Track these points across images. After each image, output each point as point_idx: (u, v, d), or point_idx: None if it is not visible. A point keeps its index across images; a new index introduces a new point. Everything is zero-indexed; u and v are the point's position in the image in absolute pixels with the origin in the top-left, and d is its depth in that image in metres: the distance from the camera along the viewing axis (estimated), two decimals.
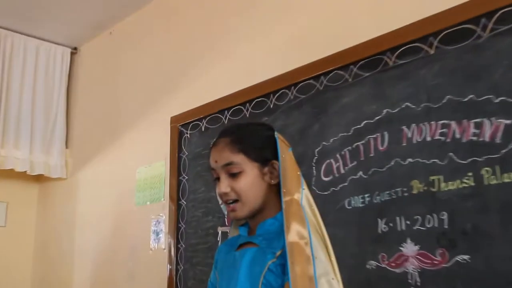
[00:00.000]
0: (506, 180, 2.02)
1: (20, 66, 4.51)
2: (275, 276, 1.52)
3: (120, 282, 3.79)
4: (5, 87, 4.41)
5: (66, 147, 4.66)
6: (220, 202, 1.72)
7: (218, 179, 1.64)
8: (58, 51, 4.75)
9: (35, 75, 4.58)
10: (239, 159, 1.60)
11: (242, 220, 1.75)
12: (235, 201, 1.61)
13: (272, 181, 1.63)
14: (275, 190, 1.64)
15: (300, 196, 1.58)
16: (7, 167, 4.34)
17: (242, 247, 1.66)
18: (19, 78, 4.48)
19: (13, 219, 4.73)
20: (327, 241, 1.60)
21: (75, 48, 4.83)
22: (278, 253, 1.54)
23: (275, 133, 1.66)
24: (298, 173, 1.64)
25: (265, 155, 1.63)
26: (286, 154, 1.63)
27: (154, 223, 3.60)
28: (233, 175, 1.60)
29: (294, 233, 1.51)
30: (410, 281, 2.21)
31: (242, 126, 1.73)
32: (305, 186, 1.62)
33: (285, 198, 1.56)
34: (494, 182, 2.05)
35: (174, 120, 3.56)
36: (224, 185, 1.60)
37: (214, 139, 1.68)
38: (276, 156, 1.61)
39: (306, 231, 1.51)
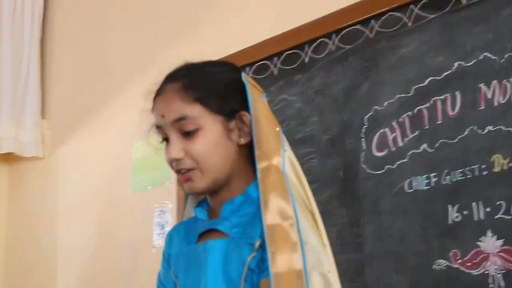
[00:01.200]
0: None
1: None
2: (257, 274, 1.44)
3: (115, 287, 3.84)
4: None
5: (42, 117, 4.67)
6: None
7: (166, 140, 1.55)
8: None
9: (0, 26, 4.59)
10: (196, 112, 1.49)
11: (198, 195, 1.65)
12: (191, 169, 1.51)
13: (242, 139, 1.54)
14: (245, 152, 1.56)
15: (282, 160, 1.47)
16: None
17: (204, 237, 1.56)
18: None
19: None
20: (318, 220, 1.50)
21: None
22: (258, 243, 1.45)
23: (243, 75, 1.58)
24: (277, 128, 1.53)
25: (231, 104, 1.53)
26: (259, 102, 1.53)
27: (158, 213, 3.63)
28: (188, 134, 1.49)
29: (274, 211, 1.41)
30: (492, 285, 2.22)
31: (197, 66, 1.61)
32: (287, 146, 1.52)
33: (260, 164, 1.46)
34: None
35: None
36: (175, 149, 1.50)
37: (159, 86, 1.61)
38: (245, 106, 1.52)
39: (291, 208, 1.41)
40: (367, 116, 2.67)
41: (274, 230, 1.39)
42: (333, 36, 2.83)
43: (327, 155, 2.75)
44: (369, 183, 2.61)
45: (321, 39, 2.88)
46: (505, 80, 2.27)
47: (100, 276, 3.99)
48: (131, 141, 3.86)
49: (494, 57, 2.31)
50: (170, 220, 3.53)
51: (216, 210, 1.57)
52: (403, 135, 2.54)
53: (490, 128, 2.29)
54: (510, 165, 2.23)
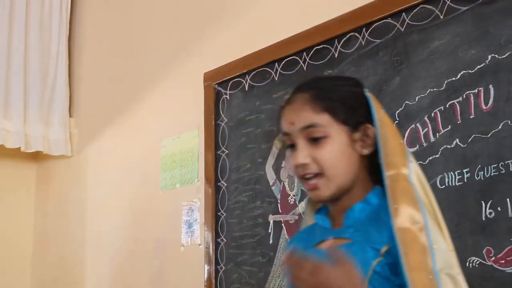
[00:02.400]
0: None
1: (6, 10, 4.52)
2: (382, 279, 1.49)
3: (144, 286, 3.85)
4: None
5: (70, 116, 4.71)
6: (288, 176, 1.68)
7: (292, 146, 1.60)
8: None
9: (26, 22, 4.60)
10: (324, 121, 1.56)
11: (318, 203, 1.71)
12: (317, 175, 1.57)
13: (364, 150, 1.60)
14: (365, 163, 1.62)
15: (408, 171, 1.54)
16: None
17: (323, 243, 1.63)
18: (6, 26, 4.52)
19: (5, 209, 4.79)
20: (444, 228, 1.56)
21: None
22: (384, 249, 1.51)
23: (365, 89, 1.64)
24: (401, 141, 1.61)
25: (356, 116, 1.59)
26: (383, 116, 1.60)
27: (186, 211, 3.64)
28: (315, 141, 1.55)
29: (404, 216, 1.48)
30: None
31: (324, 79, 1.72)
32: (412, 159, 1.59)
33: (388, 172, 1.53)
34: None
35: (208, 77, 3.57)
36: (303, 154, 1.56)
37: (288, 96, 1.66)
38: (368, 119, 1.59)
39: (420, 215, 1.48)
40: (398, 111, 2.64)
41: (405, 234, 1.46)
42: (363, 30, 2.82)
43: None
44: None
45: (351, 33, 2.86)
46: None
47: (128, 273, 4.01)
48: (159, 139, 3.88)
49: None
50: (198, 218, 3.53)
51: (337, 217, 1.64)
52: (435, 130, 2.52)
53: None
54: None
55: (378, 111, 1.59)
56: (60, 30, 4.73)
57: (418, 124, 2.58)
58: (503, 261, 2.26)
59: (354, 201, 1.62)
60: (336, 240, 1.59)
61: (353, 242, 1.55)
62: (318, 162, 1.54)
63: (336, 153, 1.55)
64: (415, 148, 2.56)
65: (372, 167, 1.63)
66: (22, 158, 4.79)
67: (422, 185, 1.56)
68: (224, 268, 3.33)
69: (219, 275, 3.35)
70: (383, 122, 1.58)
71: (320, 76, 1.71)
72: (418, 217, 1.48)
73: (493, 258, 2.28)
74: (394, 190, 1.50)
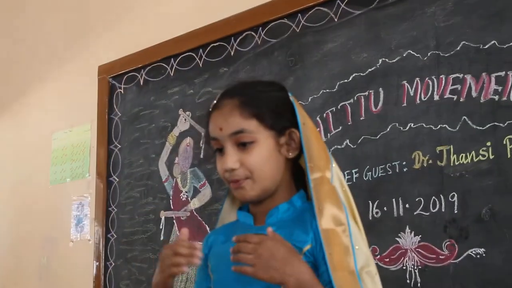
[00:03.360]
0: None
1: None
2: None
3: (30, 282, 3.77)
4: None
5: None
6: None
7: (220, 150, 1.60)
8: None
9: None
10: (252, 126, 1.56)
11: (247, 202, 1.71)
12: (245, 178, 1.58)
13: (290, 154, 1.62)
14: (289, 166, 1.64)
15: (331, 174, 1.57)
16: None
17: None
18: None
19: None
20: (361, 228, 1.62)
21: None
22: (307, 247, 1.54)
23: (290, 94, 1.66)
24: (324, 144, 1.65)
25: (282, 121, 1.60)
26: (306, 120, 1.62)
27: (76, 206, 3.59)
28: (244, 145, 1.56)
29: (328, 217, 1.51)
30: (408, 281, 2.25)
31: (251, 84, 1.69)
32: (334, 163, 1.62)
33: (313, 175, 1.55)
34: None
35: (103, 70, 3.53)
36: (232, 159, 1.56)
37: (214, 101, 1.65)
38: (293, 123, 1.60)
39: (343, 216, 1.53)
40: None
41: (329, 234, 1.50)
42: (259, 29, 2.83)
43: None
44: None
45: (247, 32, 2.88)
46: (427, 78, 2.30)
47: (13, 268, 3.92)
48: (50, 132, 3.81)
49: (418, 55, 2.34)
50: (89, 213, 3.49)
51: (260, 217, 1.65)
52: (327, 130, 2.56)
53: (411, 125, 2.32)
54: (430, 162, 2.26)
55: (302, 115, 1.61)
56: None
57: None
58: (388, 259, 2.32)
59: (277, 203, 1.63)
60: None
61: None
62: (246, 166, 1.56)
63: (263, 158, 1.56)
64: None
65: (296, 170, 1.66)
66: None
67: (343, 186, 1.61)
68: (113, 264, 3.30)
69: (109, 271, 3.31)
70: (307, 125, 1.60)
71: (246, 81, 1.70)
72: (342, 218, 1.52)
73: (378, 256, 2.33)
74: (318, 193, 1.53)
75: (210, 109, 1.64)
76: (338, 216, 1.52)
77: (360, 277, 1.48)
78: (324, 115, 2.57)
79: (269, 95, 1.62)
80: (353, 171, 2.45)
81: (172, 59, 3.18)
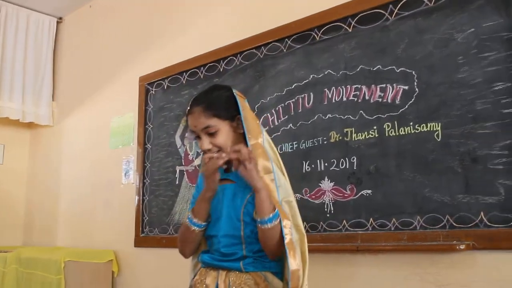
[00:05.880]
0: (402, 133, 2.07)
1: (13, 32, 4.33)
2: (253, 206, 1.52)
3: (98, 209, 3.75)
4: (0, 49, 4.24)
5: (53, 100, 4.51)
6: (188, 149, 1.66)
7: (198, 137, 1.60)
8: (46, 20, 4.54)
9: (26, 40, 4.40)
10: (214, 122, 1.56)
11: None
12: (217, 152, 1.57)
13: (240, 131, 1.60)
14: (241, 136, 1.62)
15: (262, 140, 1.58)
16: (3, 115, 4.23)
17: (221, 182, 1.62)
18: (12, 42, 4.32)
19: (10, 158, 4.63)
20: (284, 170, 1.62)
21: (60, 18, 4.63)
22: (248, 196, 1.55)
23: (234, 91, 1.64)
24: (257, 121, 1.63)
25: (232, 112, 1.59)
26: (244, 107, 1.61)
27: (125, 162, 3.55)
28: (211, 134, 1.56)
29: (261, 168, 1.53)
30: (326, 209, 2.27)
31: (209, 92, 1.65)
32: (264, 132, 1.62)
33: (251, 142, 1.56)
34: (392, 134, 2.10)
35: (142, 79, 3.47)
36: (206, 143, 1.56)
37: (188, 107, 1.63)
38: (238, 111, 1.58)
39: (270, 165, 1.55)
40: (257, 105, 2.66)
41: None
42: (238, 55, 2.81)
43: None
44: None
45: (230, 57, 2.85)
46: (339, 87, 2.31)
47: (88, 200, 3.90)
48: (110, 117, 3.77)
49: (334, 73, 2.34)
50: (133, 167, 3.47)
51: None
52: (278, 117, 2.55)
53: (329, 115, 2.33)
54: (340, 138, 2.27)
55: (241, 104, 1.60)
56: (48, 45, 4.53)
57: (268, 114, 2.60)
58: (314, 197, 2.33)
59: None
60: (227, 180, 1.63)
61: (236, 184, 1.61)
62: (216, 145, 1.56)
63: (225, 138, 1.57)
64: (266, 128, 2.57)
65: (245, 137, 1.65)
66: (20, 126, 4.60)
67: (272, 147, 1.61)
68: (147, 198, 3.28)
69: (145, 202, 3.29)
70: (244, 109, 1.60)
71: (206, 90, 1.68)
72: (269, 167, 1.54)
73: (308, 195, 2.35)
74: (255, 153, 1.54)
75: (187, 113, 1.63)
76: (267, 166, 1.54)
77: (282, 203, 1.52)
78: (277, 108, 2.55)
79: (221, 97, 1.61)
80: (294, 143, 2.45)
81: (184, 73, 3.14)
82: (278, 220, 1.47)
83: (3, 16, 4.28)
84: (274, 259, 1.55)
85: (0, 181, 4.53)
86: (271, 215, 1.46)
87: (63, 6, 4.44)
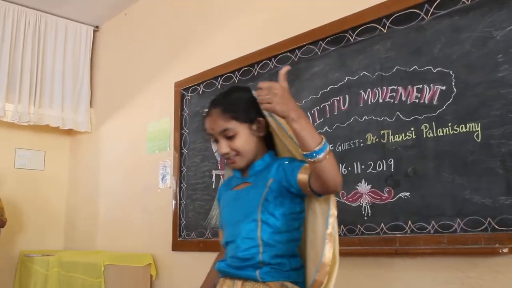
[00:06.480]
0: (440, 134, 2.04)
1: (52, 42, 4.48)
2: (269, 203, 1.46)
3: (136, 214, 3.82)
4: (41, 59, 4.39)
5: (91, 107, 4.63)
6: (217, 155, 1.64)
7: (216, 140, 1.56)
8: (83, 29, 4.67)
9: (65, 49, 4.54)
10: (233, 125, 1.51)
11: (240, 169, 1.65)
12: (235, 155, 1.55)
13: (260, 134, 1.56)
14: (262, 140, 1.58)
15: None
16: (44, 123, 4.36)
17: (238, 187, 1.60)
18: (52, 52, 4.46)
19: (50, 164, 4.76)
20: None
21: (97, 27, 4.76)
22: (269, 182, 1.48)
23: (253, 92, 1.55)
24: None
25: (251, 115, 1.53)
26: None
27: (162, 167, 3.60)
28: (229, 137, 1.52)
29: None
30: (363, 212, 2.25)
31: (227, 94, 1.60)
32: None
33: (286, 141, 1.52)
34: (430, 135, 2.07)
35: (177, 85, 3.52)
36: (224, 147, 1.53)
37: (207, 109, 1.59)
38: (259, 113, 1.51)
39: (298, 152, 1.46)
40: None
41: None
42: (272, 59, 2.83)
43: None
44: None
45: (264, 61, 2.87)
46: (375, 88, 2.29)
47: (125, 205, 3.97)
48: (146, 122, 3.84)
49: (369, 74, 2.33)
50: (169, 172, 3.52)
51: (245, 172, 1.60)
52: (313, 120, 2.55)
53: (365, 117, 2.31)
54: (377, 140, 2.26)
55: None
56: (86, 53, 4.66)
57: None
58: (351, 199, 2.32)
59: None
60: (244, 183, 1.58)
61: (253, 185, 1.54)
62: (234, 149, 1.52)
63: (243, 142, 1.52)
64: None
65: (266, 140, 1.60)
66: (60, 133, 4.73)
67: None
68: (184, 202, 3.32)
69: (181, 207, 3.34)
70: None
71: (224, 91, 1.62)
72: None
73: (345, 197, 2.34)
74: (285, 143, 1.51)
75: (204, 116, 1.60)
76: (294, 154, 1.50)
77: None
78: (312, 111, 2.56)
79: (240, 99, 1.54)
80: (330, 145, 2.43)
81: (219, 78, 3.18)
82: (329, 151, 1.30)
83: (43, 27, 4.43)
84: (332, 191, 1.37)
85: (42, 187, 4.67)
86: (320, 146, 1.29)
87: (100, 15, 4.56)
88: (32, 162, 4.66)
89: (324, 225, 1.41)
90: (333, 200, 1.42)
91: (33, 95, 4.29)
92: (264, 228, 1.46)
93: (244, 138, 1.52)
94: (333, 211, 1.40)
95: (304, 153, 1.31)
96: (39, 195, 4.63)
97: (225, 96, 1.59)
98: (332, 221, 1.40)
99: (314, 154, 1.28)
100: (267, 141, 1.61)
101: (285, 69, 1.41)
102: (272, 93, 1.31)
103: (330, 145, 1.31)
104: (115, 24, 4.57)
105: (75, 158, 4.79)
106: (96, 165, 4.43)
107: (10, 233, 4.36)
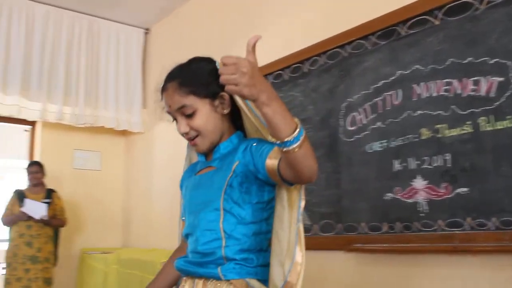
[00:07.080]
0: (499, 127, 2.00)
1: (105, 45, 4.64)
2: (233, 189, 1.31)
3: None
4: (95, 63, 4.54)
5: (143, 108, 4.75)
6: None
7: (175, 119, 1.39)
8: (134, 32, 4.81)
9: (117, 52, 4.69)
10: (191, 101, 1.33)
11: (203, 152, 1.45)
12: (197, 136, 1.37)
13: (224, 111, 1.37)
14: (227, 118, 1.40)
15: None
16: (99, 124, 4.52)
17: (201, 171, 1.43)
18: (105, 55, 4.62)
19: (107, 164, 4.92)
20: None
21: (147, 29, 4.88)
22: (235, 165, 1.32)
23: (217, 63, 1.37)
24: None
25: (213, 89, 1.34)
26: None
27: None
28: (188, 116, 1.34)
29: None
30: (419, 209, 2.23)
31: (186, 65, 1.42)
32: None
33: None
34: (488, 128, 2.03)
35: None
36: (182, 126, 1.35)
37: (162, 83, 1.41)
38: (222, 87, 1.12)
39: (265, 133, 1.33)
40: (343, 104, 2.66)
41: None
42: (322, 55, 2.82)
43: (318, 129, 2.76)
44: (345, 147, 2.62)
45: (314, 57, 2.87)
46: (428, 82, 2.26)
47: (178, 206, 4.05)
48: None
49: (422, 68, 2.29)
50: None
51: (210, 154, 1.43)
52: (366, 116, 2.53)
53: (419, 112, 2.28)
54: (431, 135, 2.22)
55: None
56: (137, 55, 4.79)
57: (355, 113, 2.59)
58: (406, 196, 2.29)
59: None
60: (208, 168, 1.41)
61: (217, 169, 1.37)
62: (194, 128, 1.35)
63: (204, 120, 1.34)
64: (354, 127, 2.57)
65: (234, 119, 1.43)
66: (115, 133, 4.88)
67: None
68: None
69: None
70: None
71: (183, 63, 1.44)
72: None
73: (400, 194, 2.32)
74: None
75: (160, 91, 1.41)
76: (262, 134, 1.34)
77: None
78: (364, 107, 2.54)
79: (200, 71, 1.37)
80: (383, 141, 2.42)
81: (269, 76, 3.15)
82: (305, 137, 1.10)
83: (96, 31, 4.58)
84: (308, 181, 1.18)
85: (99, 187, 4.84)
86: (294, 134, 1.09)
87: (150, 18, 4.68)
88: (89, 162, 4.83)
89: (293, 218, 1.27)
90: (303, 189, 1.27)
91: (89, 98, 4.45)
92: (227, 218, 1.29)
93: (205, 116, 1.35)
94: (303, 203, 1.25)
95: (276, 142, 1.11)
96: (97, 194, 4.81)
97: (182, 67, 1.42)
98: (302, 215, 1.26)
99: (288, 144, 1.09)
100: (235, 120, 1.43)
101: (254, 38, 1.13)
102: (240, 72, 1.04)
103: (305, 129, 1.11)
104: (164, 26, 4.68)
105: (129, 158, 4.94)
106: (149, 164, 4.55)
107: (70, 232, 4.55)
